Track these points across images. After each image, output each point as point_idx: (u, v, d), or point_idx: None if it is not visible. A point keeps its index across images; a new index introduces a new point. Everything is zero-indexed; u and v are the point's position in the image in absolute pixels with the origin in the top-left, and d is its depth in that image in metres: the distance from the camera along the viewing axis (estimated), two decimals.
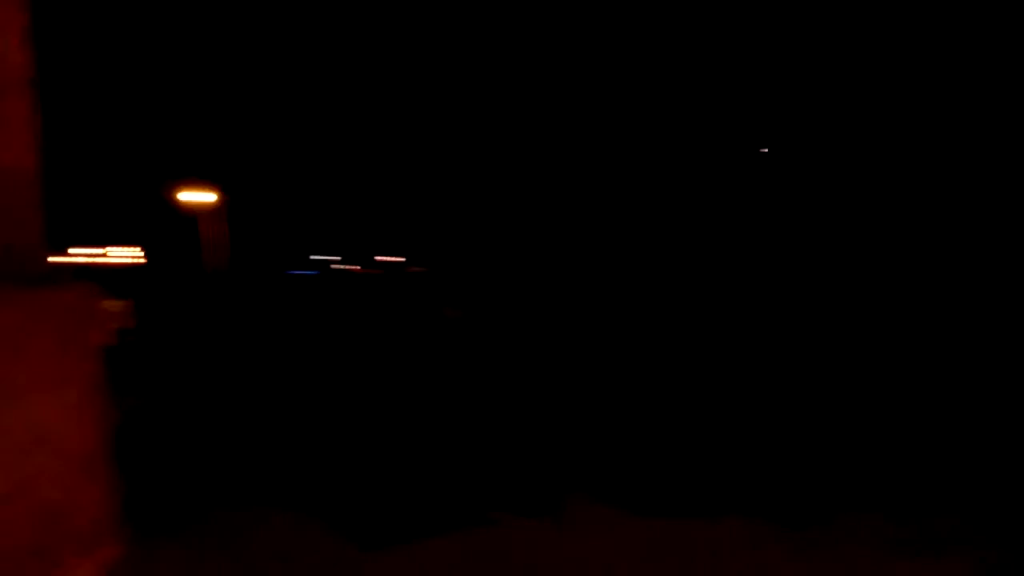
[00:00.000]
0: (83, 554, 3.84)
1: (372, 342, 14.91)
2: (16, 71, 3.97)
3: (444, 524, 4.74)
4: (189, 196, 29.81)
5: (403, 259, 50.76)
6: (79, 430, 3.90)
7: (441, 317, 18.98)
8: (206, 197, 29.67)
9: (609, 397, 8.72)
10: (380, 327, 17.30)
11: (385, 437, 7.17)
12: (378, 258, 59.08)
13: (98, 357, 4.21)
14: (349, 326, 18.21)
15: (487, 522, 4.81)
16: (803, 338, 12.43)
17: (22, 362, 3.48)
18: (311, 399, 9.26)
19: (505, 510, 4.97)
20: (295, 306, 22.71)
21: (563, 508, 4.99)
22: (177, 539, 4.58)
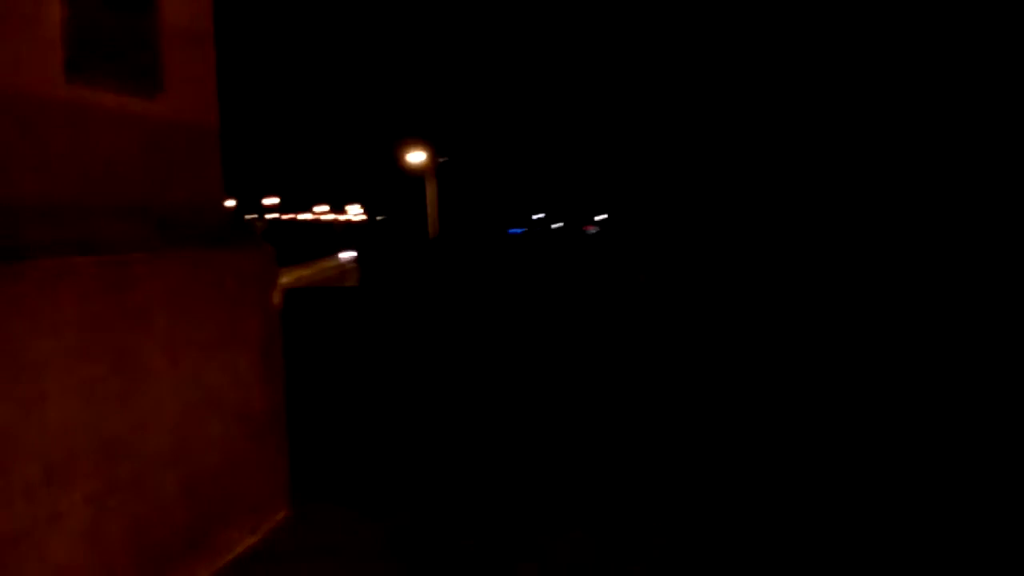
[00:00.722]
0: (245, 518, 3.80)
1: (576, 304, 15.03)
2: (198, 24, 3.93)
3: None
4: (413, 157, 30.85)
5: (611, 219, 50.31)
6: (248, 393, 3.85)
7: (635, 281, 19.29)
8: (429, 157, 30.58)
9: None
10: (584, 290, 17.46)
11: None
12: (595, 218, 58.92)
13: (273, 319, 4.16)
14: (558, 288, 18.14)
15: None
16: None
17: (190, 321, 3.42)
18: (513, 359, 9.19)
19: None
20: (510, 265, 22.94)
21: None
22: (345, 503, 4.49)
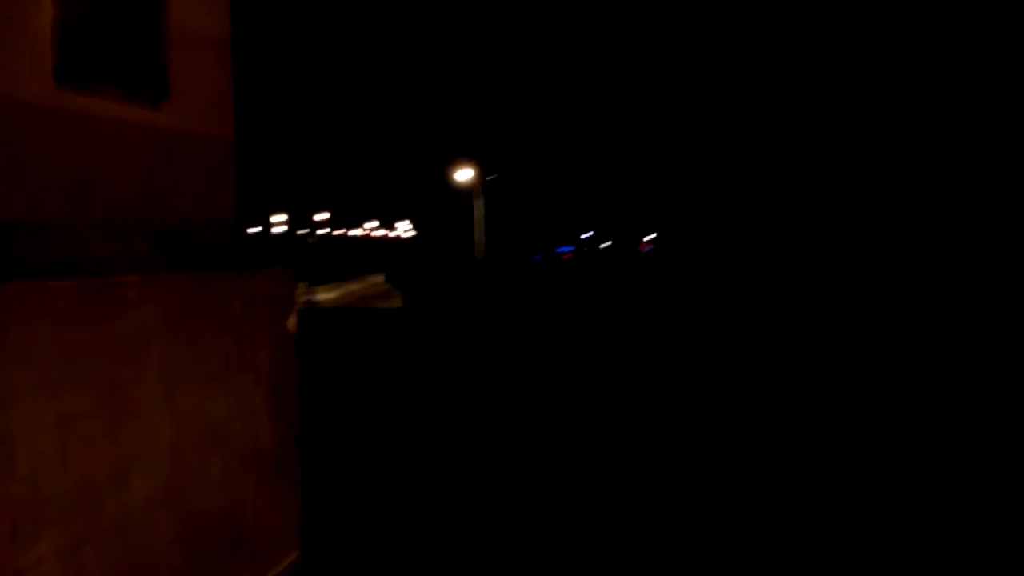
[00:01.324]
0: (249, 563, 3.50)
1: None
2: (213, 27, 3.68)
3: None
4: (461, 174, 30.74)
5: (658, 236, 49.64)
6: (256, 426, 3.55)
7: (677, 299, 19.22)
8: (476, 175, 30.44)
9: None
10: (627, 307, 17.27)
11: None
12: (646, 236, 58.28)
13: (288, 346, 3.87)
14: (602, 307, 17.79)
15: None
16: None
17: (190, 349, 3.14)
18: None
19: None
20: (558, 288, 22.64)
21: None
22: (364, 545, 4.17)
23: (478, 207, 30.67)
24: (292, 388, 3.87)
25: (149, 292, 2.95)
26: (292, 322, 3.89)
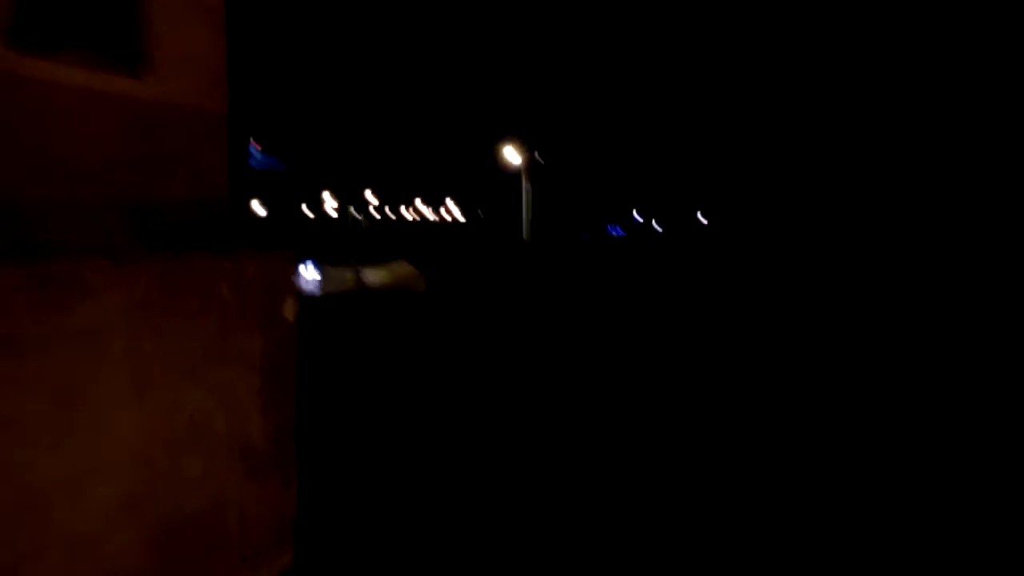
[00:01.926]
0: (234, 570, 3.25)
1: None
2: None
3: None
4: (509, 155, 30.36)
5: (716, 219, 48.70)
6: (245, 423, 3.30)
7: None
8: (525, 156, 30.04)
9: None
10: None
11: None
12: (698, 217, 57.34)
13: (285, 335, 3.60)
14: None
15: None
16: None
17: (166, 340, 2.89)
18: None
19: None
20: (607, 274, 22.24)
21: None
22: (365, 547, 3.92)
23: (526, 188, 30.28)
24: (289, 379, 3.60)
25: (116, 278, 2.70)
26: (290, 308, 3.62)
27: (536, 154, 30.23)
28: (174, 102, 3.22)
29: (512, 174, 33.89)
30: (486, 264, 21.92)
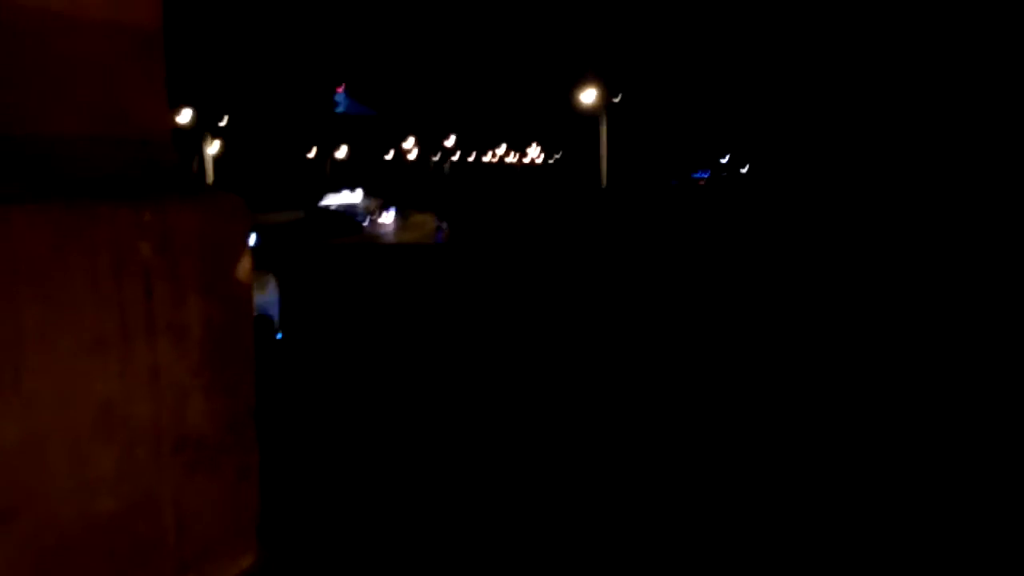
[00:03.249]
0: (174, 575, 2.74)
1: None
2: None
3: None
4: (585, 96, 29.20)
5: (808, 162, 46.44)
6: (180, 405, 2.75)
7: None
8: (601, 96, 28.84)
9: None
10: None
11: None
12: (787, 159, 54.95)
13: (237, 300, 3.02)
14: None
15: None
16: None
17: (59, 311, 2.35)
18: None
19: None
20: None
21: None
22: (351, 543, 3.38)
23: (603, 130, 29.14)
24: (244, 353, 3.03)
25: None
26: (245, 268, 3.04)
27: (613, 94, 29.02)
28: (84, 16, 2.63)
29: (592, 118, 32.72)
30: (555, 213, 21.16)
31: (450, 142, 73.76)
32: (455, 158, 77.26)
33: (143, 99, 2.85)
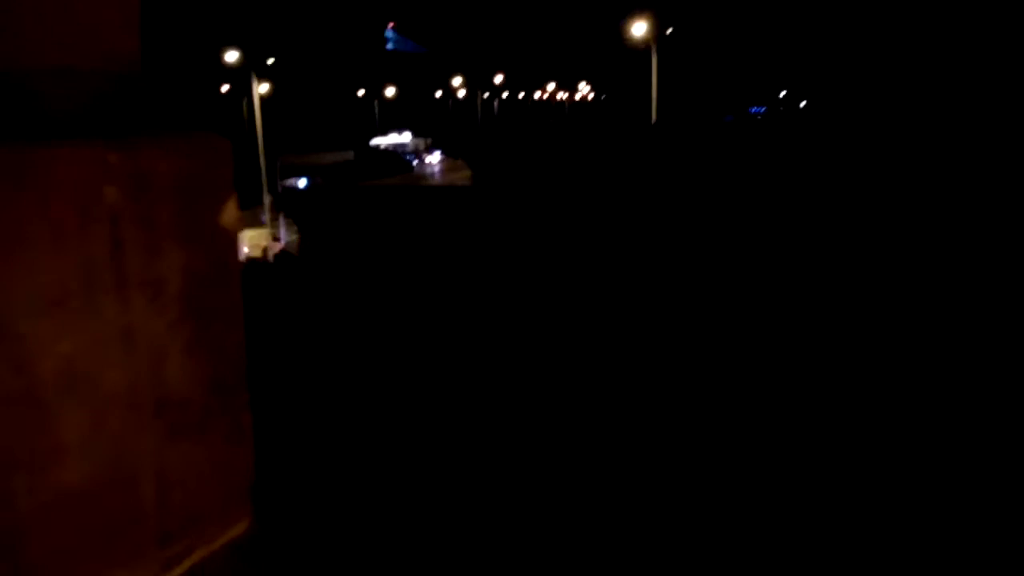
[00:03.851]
0: (153, 551, 2.55)
1: None
2: None
3: None
4: (636, 29, 28.22)
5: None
6: (158, 365, 2.52)
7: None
8: (651, 28, 27.84)
9: None
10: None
11: None
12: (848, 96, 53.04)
13: (223, 249, 2.77)
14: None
15: None
16: None
17: (15, 263, 2.12)
18: None
19: None
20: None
21: None
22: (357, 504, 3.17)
23: (654, 64, 28.19)
24: (230, 308, 2.79)
25: None
26: (230, 215, 2.78)
27: (663, 28, 28.00)
28: None
29: (643, 53, 31.70)
30: (599, 150, 20.58)
31: (499, 80, 72.61)
32: (504, 96, 76.18)
33: (111, 28, 2.57)
